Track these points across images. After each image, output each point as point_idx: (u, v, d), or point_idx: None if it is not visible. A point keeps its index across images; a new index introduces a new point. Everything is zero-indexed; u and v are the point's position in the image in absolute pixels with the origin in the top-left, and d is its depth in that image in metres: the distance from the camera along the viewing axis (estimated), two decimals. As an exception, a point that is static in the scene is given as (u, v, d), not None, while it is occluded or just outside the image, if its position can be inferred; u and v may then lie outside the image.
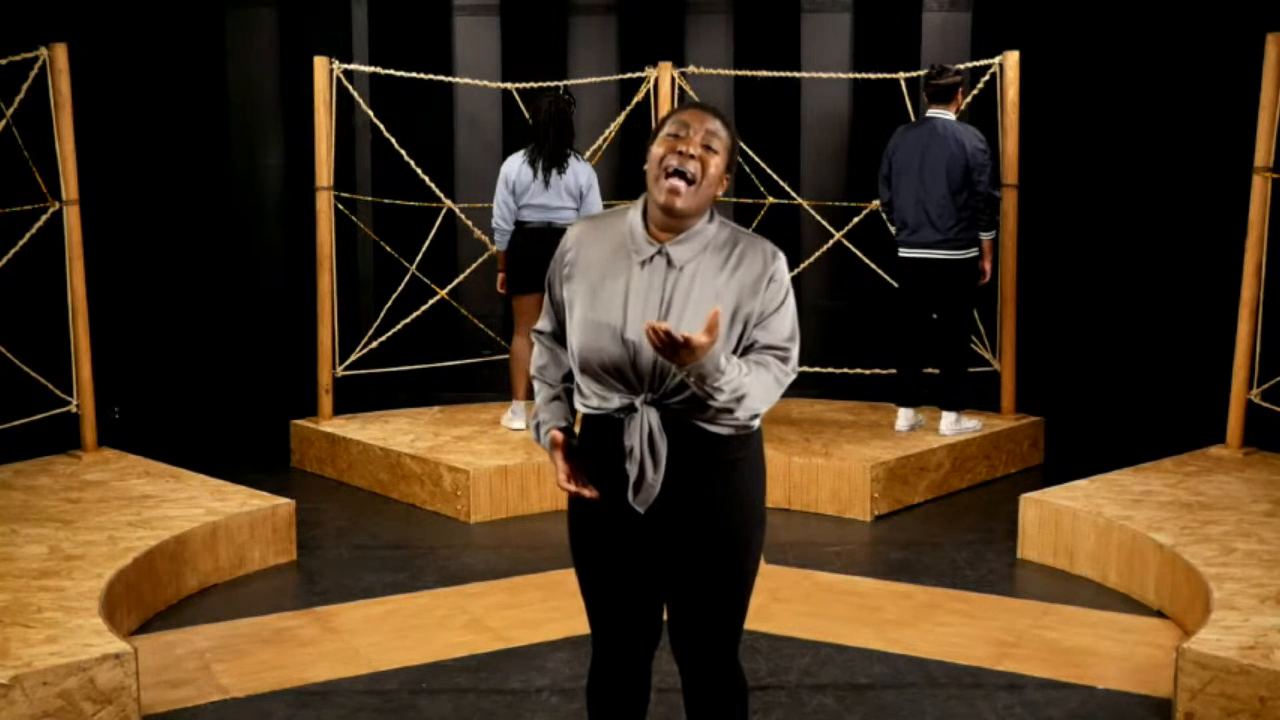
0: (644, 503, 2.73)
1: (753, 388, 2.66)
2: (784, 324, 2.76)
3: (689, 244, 2.73)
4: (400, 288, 7.36)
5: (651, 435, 2.69)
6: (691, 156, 2.68)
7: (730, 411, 2.69)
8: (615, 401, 2.73)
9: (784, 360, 2.76)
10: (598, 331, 2.71)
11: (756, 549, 2.86)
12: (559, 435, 2.77)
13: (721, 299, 2.70)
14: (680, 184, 2.67)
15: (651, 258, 2.73)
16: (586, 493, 2.74)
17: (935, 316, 6.54)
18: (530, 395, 6.65)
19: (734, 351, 2.73)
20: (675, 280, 2.71)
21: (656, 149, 2.72)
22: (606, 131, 7.44)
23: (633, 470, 2.71)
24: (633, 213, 2.79)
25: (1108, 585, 5.03)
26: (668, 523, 2.77)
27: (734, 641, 2.90)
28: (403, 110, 7.90)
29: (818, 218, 7.58)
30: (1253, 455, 5.92)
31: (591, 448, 2.80)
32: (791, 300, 2.78)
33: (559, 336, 2.90)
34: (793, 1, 8.27)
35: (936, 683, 4.12)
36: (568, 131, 6.42)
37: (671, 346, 2.48)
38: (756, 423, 2.81)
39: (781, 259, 2.77)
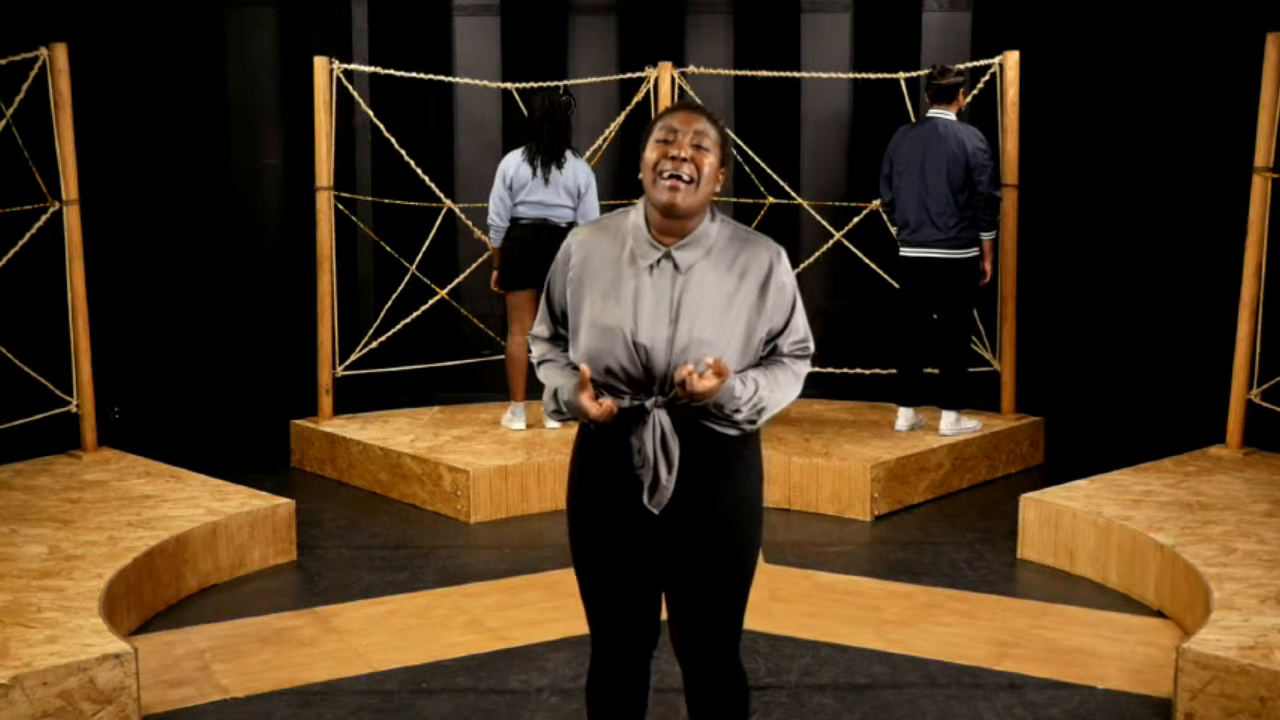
0: (658, 504, 2.74)
1: (772, 396, 2.75)
2: (798, 323, 2.84)
3: (694, 247, 2.76)
4: (400, 288, 7.36)
5: (664, 436, 2.71)
6: (685, 159, 2.71)
7: (753, 422, 2.75)
8: (623, 404, 2.74)
9: (803, 355, 2.85)
10: (608, 336, 2.72)
11: (756, 544, 2.89)
12: (586, 370, 2.67)
13: (731, 302, 2.74)
14: (680, 183, 2.70)
15: (658, 261, 2.75)
16: (610, 404, 2.68)
17: (936, 316, 6.54)
18: (529, 396, 6.68)
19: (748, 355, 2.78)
20: (683, 284, 2.73)
21: (649, 154, 2.75)
22: (606, 132, 7.44)
23: (646, 473, 2.73)
24: (634, 216, 2.81)
25: (1108, 585, 5.03)
26: (672, 521, 2.78)
27: (736, 637, 2.92)
28: (403, 110, 7.90)
29: (818, 218, 7.58)
30: (1253, 455, 5.92)
31: (595, 450, 2.81)
32: (799, 296, 2.85)
33: (555, 340, 2.92)
34: (793, 1, 8.27)
35: (936, 683, 4.12)
36: (563, 129, 6.42)
37: (684, 388, 2.59)
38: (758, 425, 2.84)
39: (784, 258, 2.82)
